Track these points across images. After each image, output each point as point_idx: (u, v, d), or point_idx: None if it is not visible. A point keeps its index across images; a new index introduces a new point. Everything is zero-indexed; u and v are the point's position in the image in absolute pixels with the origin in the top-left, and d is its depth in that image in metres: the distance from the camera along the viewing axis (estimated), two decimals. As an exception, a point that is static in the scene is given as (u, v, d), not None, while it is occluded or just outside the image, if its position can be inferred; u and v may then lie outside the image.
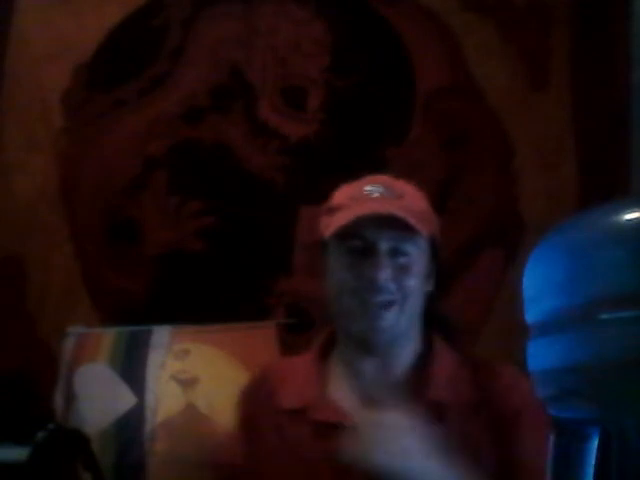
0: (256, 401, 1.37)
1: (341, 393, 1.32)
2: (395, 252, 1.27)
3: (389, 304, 1.26)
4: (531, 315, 0.53)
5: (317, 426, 1.27)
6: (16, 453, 1.53)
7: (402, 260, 1.27)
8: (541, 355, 0.52)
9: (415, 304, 1.29)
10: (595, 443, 0.51)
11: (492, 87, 2.26)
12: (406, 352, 1.33)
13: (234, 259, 2.23)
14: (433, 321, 1.35)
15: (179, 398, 1.89)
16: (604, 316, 0.46)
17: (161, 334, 1.98)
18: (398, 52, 2.27)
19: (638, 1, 2.13)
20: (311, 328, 2.18)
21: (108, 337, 2.00)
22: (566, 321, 0.49)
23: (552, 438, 0.54)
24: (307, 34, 2.28)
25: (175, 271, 2.24)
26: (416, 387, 1.31)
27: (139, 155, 2.26)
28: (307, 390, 1.32)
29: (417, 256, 1.29)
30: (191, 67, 2.29)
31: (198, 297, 2.21)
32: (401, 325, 1.28)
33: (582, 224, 0.50)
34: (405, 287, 1.27)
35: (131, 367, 1.92)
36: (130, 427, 1.85)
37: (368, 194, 1.29)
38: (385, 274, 1.25)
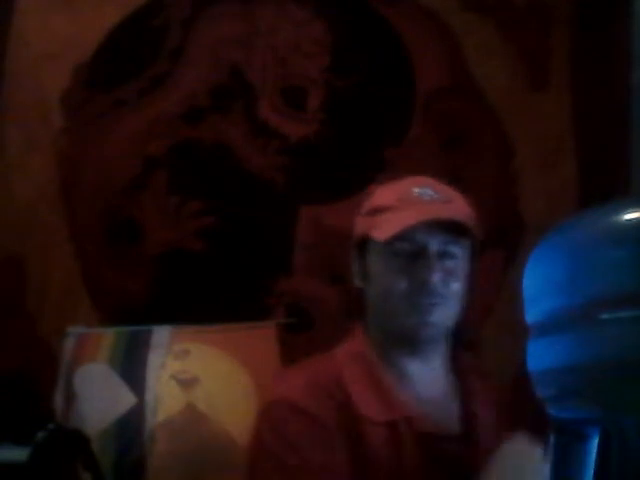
0: (335, 410, 1.27)
1: (409, 397, 1.31)
2: (443, 255, 1.29)
3: (436, 304, 1.28)
4: (531, 315, 0.53)
5: (422, 437, 1.26)
6: (16, 453, 1.53)
7: (450, 263, 1.29)
8: (541, 355, 0.52)
9: (456, 306, 1.32)
10: (595, 443, 0.51)
11: (492, 87, 2.26)
12: (440, 354, 1.35)
13: (234, 259, 2.23)
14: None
15: (179, 398, 1.88)
16: (604, 316, 0.46)
17: (161, 334, 1.98)
18: (398, 52, 2.27)
19: (638, 1, 2.13)
20: (311, 328, 2.18)
21: (108, 337, 2.00)
22: (566, 321, 0.49)
23: (552, 438, 0.54)
24: (307, 34, 2.28)
25: (175, 271, 2.23)
26: (463, 382, 1.36)
27: (139, 155, 2.26)
28: (396, 399, 1.29)
29: (462, 259, 1.32)
30: (191, 67, 2.28)
31: (198, 297, 2.20)
32: (445, 322, 1.31)
33: (582, 224, 0.50)
34: (452, 290, 1.29)
35: (131, 367, 1.92)
36: (130, 427, 1.85)
37: (419, 197, 1.29)
38: (437, 277, 1.27)
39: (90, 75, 2.28)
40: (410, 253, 1.28)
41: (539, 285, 0.52)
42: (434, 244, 1.28)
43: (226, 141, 2.25)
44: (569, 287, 0.49)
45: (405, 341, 1.32)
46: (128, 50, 2.30)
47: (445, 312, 1.30)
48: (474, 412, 1.32)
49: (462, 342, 1.40)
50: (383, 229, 1.28)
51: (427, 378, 1.33)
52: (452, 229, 1.28)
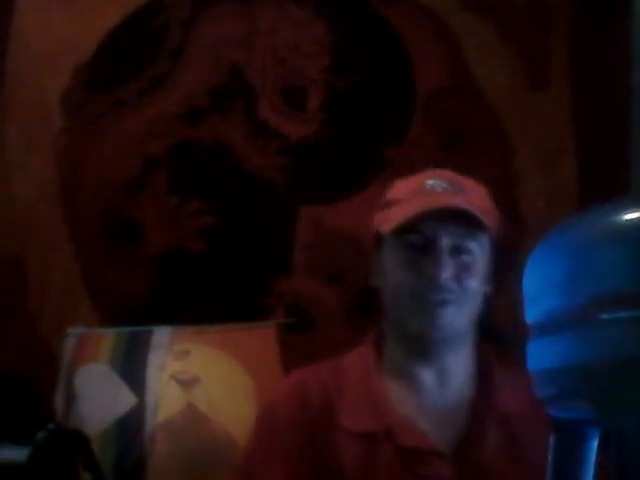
0: (310, 419, 1.21)
1: (406, 408, 1.22)
2: (457, 250, 1.20)
3: (447, 302, 1.19)
4: (531, 315, 0.53)
5: (403, 452, 1.17)
6: (16, 453, 1.53)
7: (464, 258, 1.20)
8: (541, 355, 0.52)
9: (474, 305, 1.22)
10: (595, 443, 0.51)
11: (492, 87, 2.26)
12: (463, 358, 1.25)
13: (234, 259, 2.23)
14: (482, 327, 1.27)
15: (179, 398, 1.88)
16: (604, 316, 0.46)
17: (161, 334, 1.98)
18: (398, 52, 2.27)
19: (638, 1, 2.12)
20: (311, 328, 2.18)
21: (108, 337, 2.00)
22: (566, 321, 0.49)
23: (552, 438, 0.54)
24: (307, 34, 2.28)
25: (175, 271, 2.23)
26: (481, 398, 1.23)
27: (139, 155, 2.26)
28: (384, 409, 1.21)
29: (479, 255, 1.22)
30: (191, 67, 2.28)
31: (198, 297, 2.20)
32: (458, 324, 1.21)
33: (582, 224, 0.50)
34: (466, 287, 1.20)
35: (131, 367, 1.92)
36: (130, 427, 1.85)
37: (431, 188, 1.22)
38: (446, 272, 1.18)
39: (90, 75, 2.28)
40: (420, 247, 1.20)
41: (539, 285, 0.52)
42: (446, 237, 1.19)
43: (226, 141, 2.25)
44: (569, 287, 0.49)
45: (415, 345, 1.23)
46: (128, 50, 2.30)
47: (458, 311, 1.20)
48: (483, 425, 1.20)
49: (492, 341, 1.31)
50: (389, 222, 1.22)
51: (438, 385, 1.23)
52: (467, 222, 1.19)
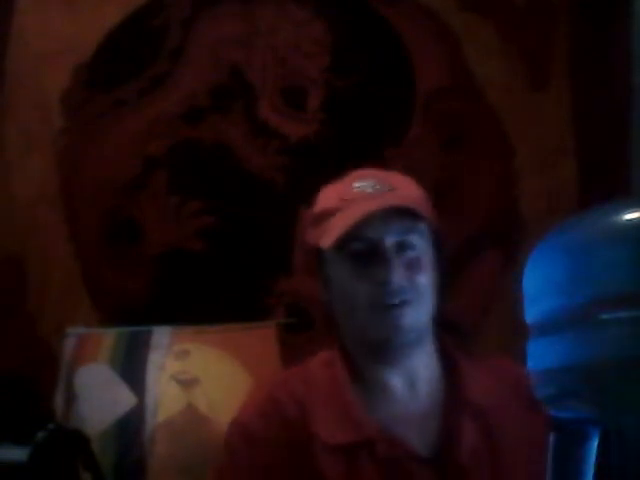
0: (286, 434, 1.17)
1: (381, 416, 1.19)
2: (401, 247, 1.17)
3: (404, 303, 1.16)
4: (531, 315, 0.53)
5: (384, 462, 1.14)
6: (16, 453, 1.53)
7: (410, 254, 1.18)
8: (541, 355, 0.52)
9: (429, 300, 1.20)
10: (595, 443, 0.51)
11: (492, 87, 2.26)
12: (427, 357, 1.23)
13: (234, 259, 2.23)
14: (438, 319, 1.25)
15: (179, 399, 1.88)
16: (604, 316, 0.46)
17: (161, 334, 1.98)
18: (398, 52, 2.27)
19: (638, 1, 2.12)
20: (311, 328, 2.18)
21: (108, 337, 2.00)
22: (566, 321, 0.49)
23: (552, 438, 0.54)
24: (307, 34, 2.28)
25: (175, 271, 2.23)
26: (452, 395, 1.21)
27: (139, 155, 2.26)
28: (359, 419, 1.17)
29: (424, 248, 1.20)
30: (191, 67, 2.28)
31: (198, 297, 2.20)
32: (419, 323, 1.19)
33: (582, 224, 0.50)
34: (418, 284, 1.17)
35: (131, 367, 1.92)
36: (130, 427, 1.85)
37: (361, 191, 1.19)
38: (397, 274, 1.15)
39: (90, 75, 2.28)
40: (365, 253, 1.17)
41: (539, 285, 0.52)
42: (388, 238, 1.16)
43: (226, 141, 2.25)
44: (569, 287, 0.49)
45: (379, 351, 1.20)
46: (128, 50, 2.30)
47: (417, 311, 1.17)
48: (458, 422, 1.18)
49: (455, 335, 1.29)
50: (327, 236, 1.18)
51: (408, 389, 1.21)
52: (405, 218, 1.17)
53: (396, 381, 1.21)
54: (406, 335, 1.18)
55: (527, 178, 2.23)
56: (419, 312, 1.18)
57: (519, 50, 2.25)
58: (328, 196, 1.24)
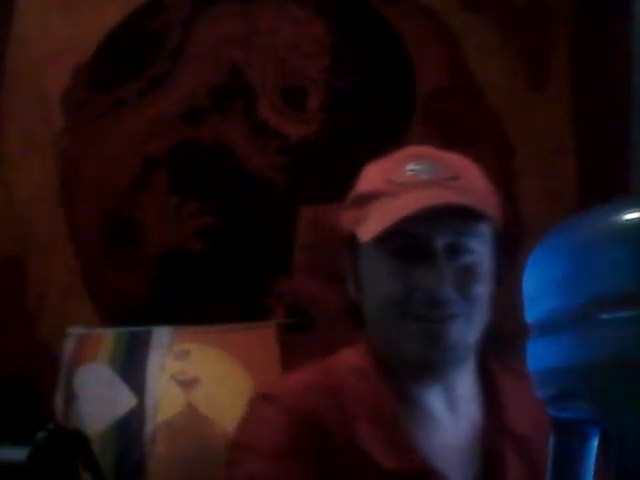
0: (323, 437, 0.98)
1: (423, 442, 1.01)
2: (455, 250, 0.98)
3: (452, 317, 0.97)
4: (531, 315, 0.53)
5: None
6: (16, 453, 1.53)
7: (465, 260, 0.98)
8: (541, 355, 0.52)
9: (482, 315, 1.00)
10: (595, 443, 0.51)
11: (492, 87, 2.26)
12: (468, 374, 1.05)
13: (234, 259, 2.23)
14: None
15: (179, 399, 1.88)
16: (604, 316, 0.46)
17: (161, 335, 1.98)
18: (398, 52, 2.27)
19: (638, 1, 2.12)
20: (311, 328, 2.18)
21: (108, 337, 2.00)
22: (566, 321, 0.49)
23: (552, 438, 0.54)
24: (307, 34, 2.28)
25: (175, 271, 2.23)
26: (493, 421, 1.04)
27: (139, 155, 2.26)
28: (413, 446, 0.99)
29: (482, 253, 1.00)
30: (191, 67, 2.28)
31: (198, 297, 2.20)
32: (466, 340, 1.00)
33: (582, 224, 0.50)
34: (472, 297, 0.98)
35: (131, 368, 1.92)
36: (130, 428, 1.85)
37: (413, 175, 0.99)
38: (447, 283, 0.96)
39: (90, 75, 2.28)
40: (409, 252, 0.97)
41: (539, 285, 0.52)
42: (441, 237, 0.96)
43: (226, 141, 2.25)
44: (569, 287, 0.49)
45: (415, 368, 1.02)
46: (128, 50, 2.30)
47: (465, 327, 0.98)
48: (502, 460, 1.01)
49: (494, 349, 1.10)
50: (367, 226, 0.99)
51: (449, 412, 1.03)
52: (464, 215, 0.97)
53: (436, 402, 1.03)
54: (449, 354, 0.99)
55: (527, 178, 2.23)
56: (468, 328, 0.99)
57: (519, 50, 2.25)
58: (374, 175, 1.04)
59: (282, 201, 2.23)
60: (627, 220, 0.47)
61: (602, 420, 0.48)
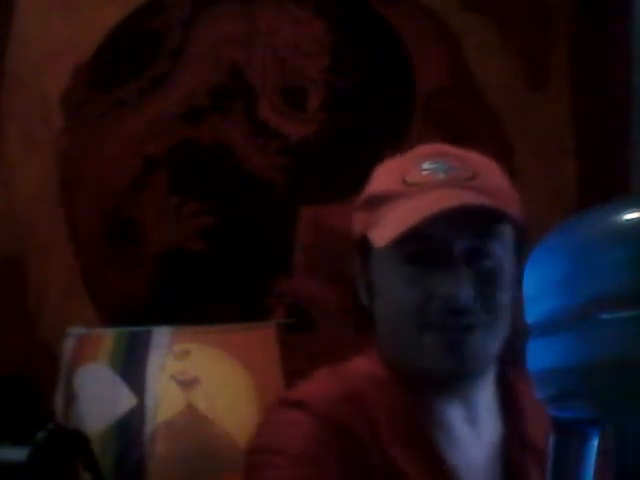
0: (357, 424, 0.94)
1: (448, 459, 0.96)
2: (475, 254, 0.92)
3: (472, 327, 0.92)
4: (531, 315, 0.53)
5: None
6: (16, 453, 1.53)
7: (485, 264, 0.92)
8: (541, 355, 0.52)
9: (503, 323, 0.94)
10: (595, 443, 0.51)
11: (492, 87, 2.26)
12: (488, 385, 0.99)
13: (234, 259, 2.23)
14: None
15: (179, 399, 1.88)
16: (604, 316, 0.46)
17: (161, 335, 1.98)
18: (398, 52, 2.27)
19: (638, 1, 2.12)
20: (311, 328, 2.18)
21: (108, 337, 2.00)
22: (566, 321, 0.49)
23: (552, 438, 0.54)
24: (307, 34, 2.28)
25: (175, 271, 2.23)
26: (514, 435, 0.98)
27: (139, 155, 2.26)
28: (445, 461, 0.95)
29: (503, 256, 0.94)
30: (191, 67, 2.28)
31: (198, 297, 2.20)
32: (487, 351, 0.95)
33: (582, 224, 0.50)
34: (493, 304, 0.92)
35: (131, 368, 1.92)
36: (130, 428, 1.85)
37: (429, 174, 0.93)
38: (467, 289, 0.90)
39: (90, 75, 2.28)
40: (425, 257, 0.92)
41: (539, 285, 0.52)
42: (460, 241, 0.91)
43: (226, 141, 2.25)
44: (569, 287, 0.49)
45: (432, 380, 0.96)
46: (128, 50, 2.30)
47: (486, 337, 0.92)
48: (525, 471, 0.97)
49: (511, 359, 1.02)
50: (382, 230, 0.93)
51: (469, 427, 0.98)
52: (485, 216, 0.92)
53: (456, 417, 0.97)
54: (469, 366, 0.94)
55: (527, 178, 2.23)
56: (488, 338, 0.93)
57: (519, 50, 2.25)
58: (388, 176, 0.99)
59: (282, 201, 2.23)
60: (627, 220, 0.47)
61: (602, 420, 0.48)
